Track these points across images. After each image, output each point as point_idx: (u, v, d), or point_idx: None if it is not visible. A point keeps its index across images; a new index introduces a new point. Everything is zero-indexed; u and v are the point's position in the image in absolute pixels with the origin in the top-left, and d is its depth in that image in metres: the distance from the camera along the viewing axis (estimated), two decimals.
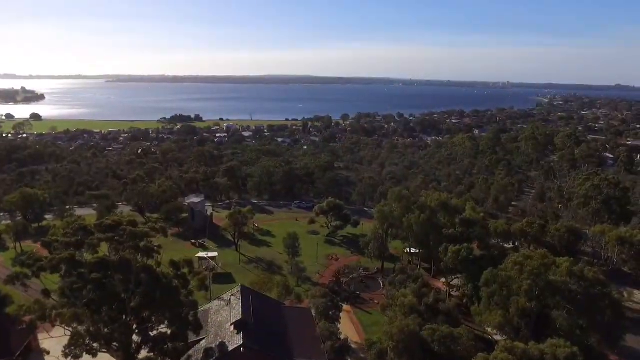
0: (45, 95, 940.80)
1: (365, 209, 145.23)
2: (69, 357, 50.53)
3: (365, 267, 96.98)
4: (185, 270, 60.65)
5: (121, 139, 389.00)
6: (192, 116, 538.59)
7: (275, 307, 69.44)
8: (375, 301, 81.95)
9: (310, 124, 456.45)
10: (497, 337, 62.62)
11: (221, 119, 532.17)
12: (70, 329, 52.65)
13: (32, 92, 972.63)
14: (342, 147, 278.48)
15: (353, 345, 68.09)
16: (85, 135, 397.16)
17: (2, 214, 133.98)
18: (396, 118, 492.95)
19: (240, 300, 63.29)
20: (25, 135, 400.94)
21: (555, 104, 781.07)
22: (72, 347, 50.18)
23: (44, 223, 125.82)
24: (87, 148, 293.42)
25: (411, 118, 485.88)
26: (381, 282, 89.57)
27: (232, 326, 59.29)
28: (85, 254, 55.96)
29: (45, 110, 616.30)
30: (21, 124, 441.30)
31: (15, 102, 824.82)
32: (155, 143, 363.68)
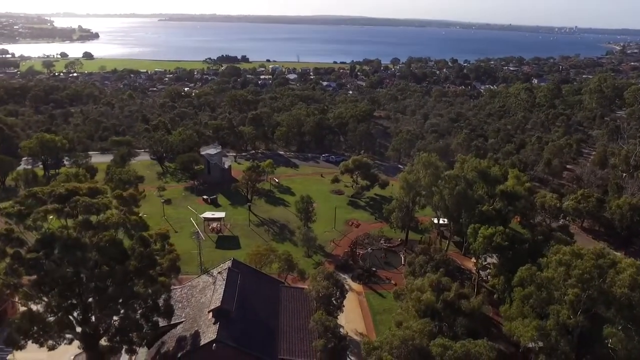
0: (100, 34, 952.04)
1: (400, 166, 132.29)
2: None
3: (388, 237, 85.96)
4: (158, 245, 51.88)
5: (166, 79, 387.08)
6: (239, 57, 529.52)
7: (270, 288, 60.29)
8: (392, 281, 71.48)
9: (358, 67, 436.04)
10: (531, 345, 51.02)
11: (268, 61, 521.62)
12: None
13: (88, 30, 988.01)
14: (385, 94, 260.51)
15: (356, 337, 58.85)
16: (132, 75, 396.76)
17: (24, 159, 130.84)
18: (449, 64, 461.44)
19: (225, 281, 54.32)
20: (75, 74, 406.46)
21: (628, 52, 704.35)
22: (13, 336, 43.03)
23: (62, 170, 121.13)
24: (127, 89, 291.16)
25: (465, 64, 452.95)
26: (402, 257, 78.69)
27: (210, 313, 50.82)
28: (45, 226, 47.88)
29: (97, 48, 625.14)
30: (72, 63, 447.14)
31: (72, 40, 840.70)
32: (198, 84, 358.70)
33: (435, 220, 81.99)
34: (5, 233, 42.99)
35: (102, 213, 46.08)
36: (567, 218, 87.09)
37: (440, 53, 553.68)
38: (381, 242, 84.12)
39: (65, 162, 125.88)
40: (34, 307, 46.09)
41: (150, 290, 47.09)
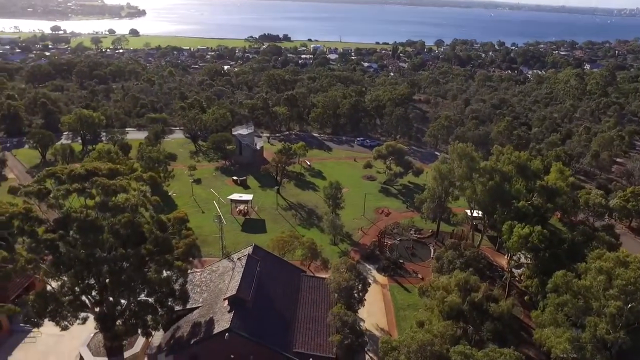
0: (147, 11, 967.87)
1: (437, 153, 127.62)
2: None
3: (419, 228, 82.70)
4: (175, 229, 50.82)
5: (208, 57, 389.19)
6: (280, 36, 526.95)
7: (290, 276, 58.70)
8: (420, 275, 68.63)
9: (400, 48, 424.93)
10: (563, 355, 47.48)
11: (309, 40, 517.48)
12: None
13: (135, 7, 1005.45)
14: (427, 77, 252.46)
15: (377, 333, 56.67)
16: (175, 52, 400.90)
17: (65, 134, 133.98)
18: (496, 47, 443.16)
19: (243, 268, 52.99)
20: (121, 51, 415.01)
21: None
22: (29, 314, 43.22)
23: (98, 146, 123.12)
24: (168, 65, 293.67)
25: (513, 47, 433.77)
26: (432, 250, 75.51)
27: (226, 301, 49.68)
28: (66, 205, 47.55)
29: (144, 25, 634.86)
30: (118, 39, 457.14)
31: (120, 17, 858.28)
32: (239, 62, 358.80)
33: (469, 213, 77.91)
34: (24, 212, 42.71)
35: (120, 194, 45.27)
36: (614, 216, 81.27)
37: (487, 35, 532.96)
38: (411, 232, 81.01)
39: (103, 138, 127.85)
40: (54, 285, 46.33)
41: (165, 274, 46.32)
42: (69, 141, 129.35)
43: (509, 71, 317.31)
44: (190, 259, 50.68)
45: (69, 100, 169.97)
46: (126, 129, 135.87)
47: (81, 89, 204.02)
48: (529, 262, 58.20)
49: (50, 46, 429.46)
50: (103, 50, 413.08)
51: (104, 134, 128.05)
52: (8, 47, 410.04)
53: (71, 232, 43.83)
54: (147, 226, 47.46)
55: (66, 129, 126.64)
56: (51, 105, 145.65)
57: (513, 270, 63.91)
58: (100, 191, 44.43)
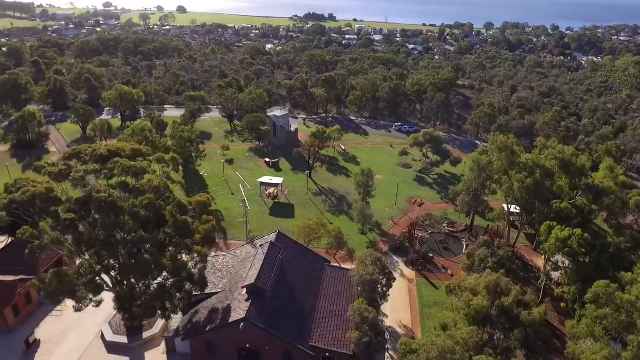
0: None
1: (477, 142, 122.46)
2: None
3: (452, 221, 79.27)
4: (196, 213, 50.07)
5: (252, 35, 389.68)
6: (325, 15, 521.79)
7: (313, 266, 57.15)
8: (449, 271, 65.69)
9: (448, 31, 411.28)
10: None
11: (354, 20, 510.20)
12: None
13: None
14: (473, 62, 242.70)
15: (399, 330, 54.54)
16: (219, 30, 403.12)
17: (106, 109, 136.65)
18: (549, 31, 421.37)
19: (264, 257, 51.69)
20: (168, 27, 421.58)
21: None
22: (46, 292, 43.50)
23: (136, 122, 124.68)
24: (212, 43, 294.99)
25: (567, 32, 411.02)
26: (464, 245, 72.18)
27: (245, 289, 48.67)
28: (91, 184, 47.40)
29: (190, 2, 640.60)
30: (165, 16, 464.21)
31: None
32: (283, 41, 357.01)
33: (506, 208, 73.74)
34: (45, 192, 42.70)
35: (140, 176, 44.68)
36: None
37: (541, 18, 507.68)
38: (444, 225, 77.77)
39: (141, 114, 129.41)
40: (79, 262, 46.63)
41: (184, 259, 45.74)
42: (110, 117, 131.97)
43: (562, 57, 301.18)
44: (210, 244, 49.81)
45: (113, 76, 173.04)
46: (165, 106, 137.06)
47: (126, 65, 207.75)
48: (567, 266, 54.24)
49: (101, 22, 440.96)
50: (151, 27, 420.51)
51: (143, 110, 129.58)
52: (63, 22, 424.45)
53: (92, 213, 43.73)
54: (169, 208, 46.89)
55: (107, 105, 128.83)
56: (95, 81, 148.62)
57: (550, 273, 60.04)
58: (120, 172, 43.98)
